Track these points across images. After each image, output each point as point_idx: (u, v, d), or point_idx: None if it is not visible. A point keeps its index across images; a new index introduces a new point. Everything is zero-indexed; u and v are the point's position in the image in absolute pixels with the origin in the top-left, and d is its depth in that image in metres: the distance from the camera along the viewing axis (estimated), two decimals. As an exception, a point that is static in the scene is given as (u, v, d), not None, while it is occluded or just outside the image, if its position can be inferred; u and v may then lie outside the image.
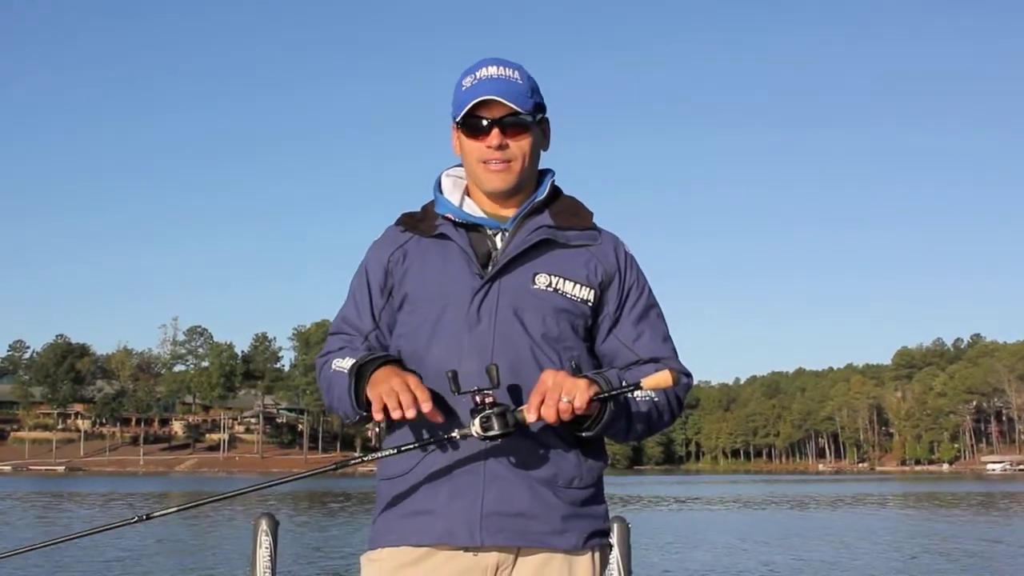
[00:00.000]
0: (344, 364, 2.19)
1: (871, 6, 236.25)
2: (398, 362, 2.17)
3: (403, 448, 2.06)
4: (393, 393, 1.99)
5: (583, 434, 2.11)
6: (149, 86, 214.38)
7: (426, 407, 1.98)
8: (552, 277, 2.20)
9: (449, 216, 2.26)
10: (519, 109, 2.19)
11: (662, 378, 2.02)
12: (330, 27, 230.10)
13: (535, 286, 2.19)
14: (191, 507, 2.19)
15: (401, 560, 2.12)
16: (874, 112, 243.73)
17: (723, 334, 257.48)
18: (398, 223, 2.35)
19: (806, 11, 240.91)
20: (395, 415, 1.98)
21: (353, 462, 2.16)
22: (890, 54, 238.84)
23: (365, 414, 2.12)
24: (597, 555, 2.19)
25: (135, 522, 2.15)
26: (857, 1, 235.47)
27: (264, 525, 3.63)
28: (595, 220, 2.33)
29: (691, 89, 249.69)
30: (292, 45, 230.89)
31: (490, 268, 2.19)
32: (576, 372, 2.09)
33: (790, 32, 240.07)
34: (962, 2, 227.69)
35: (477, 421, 1.98)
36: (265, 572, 3.57)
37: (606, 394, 2.03)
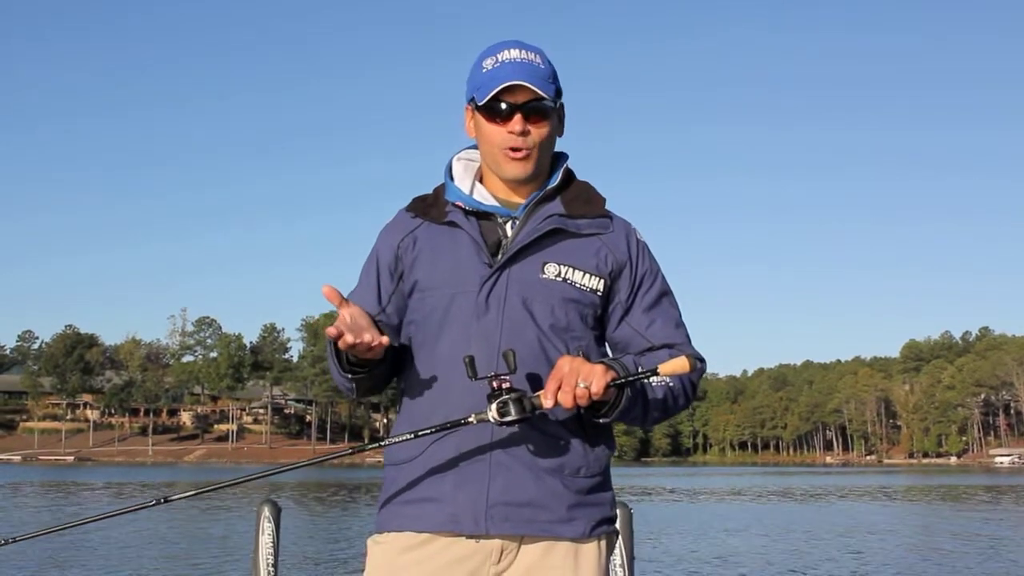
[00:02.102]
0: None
1: (880, 3, 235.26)
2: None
3: (420, 433, 2.05)
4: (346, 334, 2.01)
5: (600, 420, 2.11)
6: (155, 82, 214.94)
7: (345, 335, 1.99)
8: (561, 267, 2.18)
9: (459, 204, 2.24)
10: (543, 94, 2.16)
11: (679, 364, 2.02)
12: (332, 25, 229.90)
13: (544, 275, 2.17)
14: (209, 491, 2.22)
15: (406, 543, 2.13)
16: (883, 107, 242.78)
17: (730, 326, 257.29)
18: (409, 208, 2.33)
19: (815, 7, 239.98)
20: (348, 338, 2.00)
21: (371, 447, 2.17)
22: (901, 50, 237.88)
23: (350, 375, 2.15)
24: (603, 543, 2.18)
25: (154, 505, 2.20)
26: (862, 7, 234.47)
27: (266, 511, 3.66)
28: (608, 206, 2.30)
29: (700, 81, 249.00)
30: (298, 41, 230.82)
31: (500, 257, 2.18)
32: (586, 360, 2.06)
33: (825, 26, 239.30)
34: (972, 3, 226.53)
35: (494, 406, 1.97)
36: (268, 557, 3.59)
37: (623, 380, 2.02)
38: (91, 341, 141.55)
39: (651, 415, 2.17)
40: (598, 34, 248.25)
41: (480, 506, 2.07)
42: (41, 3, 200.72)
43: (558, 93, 2.24)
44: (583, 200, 2.27)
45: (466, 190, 2.27)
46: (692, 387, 2.23)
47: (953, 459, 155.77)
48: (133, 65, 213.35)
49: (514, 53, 2.18)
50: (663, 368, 2.02)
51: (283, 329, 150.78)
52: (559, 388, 1.96)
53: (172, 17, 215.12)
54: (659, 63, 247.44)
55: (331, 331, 1.99)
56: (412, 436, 2.05)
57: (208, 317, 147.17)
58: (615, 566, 3.41)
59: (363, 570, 2.20)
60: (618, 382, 2.01)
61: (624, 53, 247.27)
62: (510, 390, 1.99)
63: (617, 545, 3.03)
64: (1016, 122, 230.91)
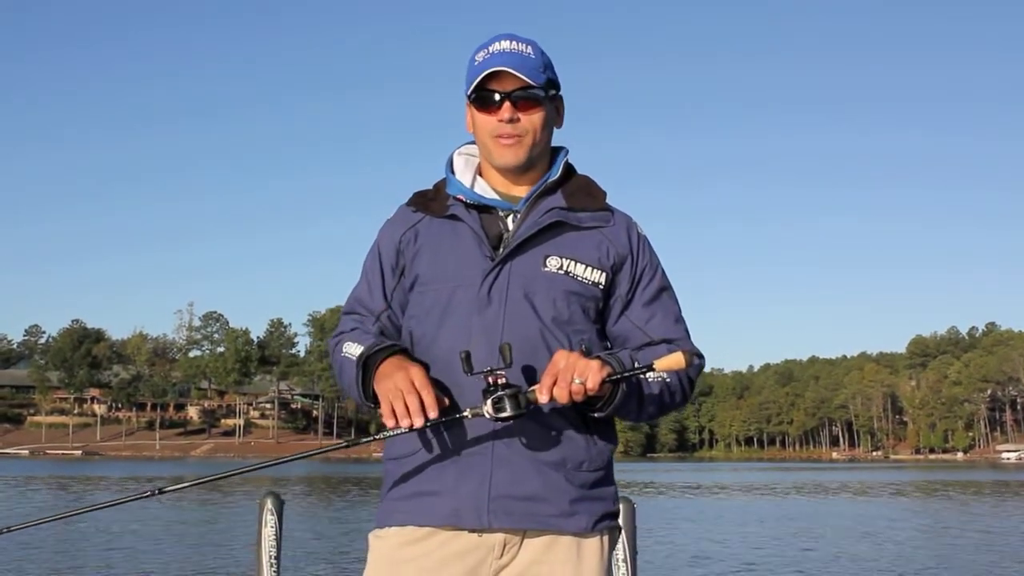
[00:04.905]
0: (353, 351, 2.18)
1: (881, 19, 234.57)
2: (406, 351, 2.16)
3: (414, 427, 2.03)
4: (399, 395, 1.99)
5: (595, 415, 2.10)
6: (162, 90, 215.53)
7: (432, 413, 1.98)
8: (563, 260, 2.18)
9: (460, 197, 2.24)
10: (531, 82, 2.16)
11: (674, 360, 2.01)
12: (341, 34, 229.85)
13: (546, 269, 2.16)
14: (204, 482, 2.21)
15: (407, 538, 2.12)
16: (888, 112, 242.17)
17: (737, 322, 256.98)
18: (410, 203, 2.32)
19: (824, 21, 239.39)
20: (403, 423, 1.98)
21: (365, 440, 2.16)
22: (908, 60, 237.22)
23: (373, 406, 2.12)
24: (606, 538, 2.18)
25: (148, 496, 2.19)
26: (867, 13, 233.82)
27: (269, 504, 3.66)
28: (611, 201, 2.31)
29: (710, 88, 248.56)
30: (310, 48, 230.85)
31: (501, 250, 2.17)
32: (587, 354, 2.06)
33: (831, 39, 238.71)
34: (984, 10, 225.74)
35: (489, 402, 1.97)
36: (270, 550, 3.59)
37: (618, 375, 2.01)
38: (98, 336, 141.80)
39: (646, 410, 2.17)
40: (598, 45, 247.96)
41: (482, 500, 2.06)
42: (53, 15, 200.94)
43: (551, 84, 2.24)
44: (584, 193, 2.26)
45: (467, 184, 2.26)
46: (689, 383, 2.22)
47: (959, 455, 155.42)
48: (143, 71, 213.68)
49: (505, 44, 2.19)
50: (659, 364, 2.02)
51: (290, 324, 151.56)
52: (554, 383, 1.96)
53: (187, 24, 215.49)
54: (685, 65, 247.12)
55: (418, 421, 1.98)
56: (407, 429, 2.02)
57: (215, 312, 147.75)
58: (618, 561, 3.41)
59: (365, 564, 2.19)
60: (614, 378, 2.01)
61: (643, 60, 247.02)
62: (506, 386, 1.97)
63: (620, 540, 3.02)
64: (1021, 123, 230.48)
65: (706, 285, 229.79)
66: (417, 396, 1.99)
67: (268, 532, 3.59)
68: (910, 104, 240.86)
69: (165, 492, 2.18)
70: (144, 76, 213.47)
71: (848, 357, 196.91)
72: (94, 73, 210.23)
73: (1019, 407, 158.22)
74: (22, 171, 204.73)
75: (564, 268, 2.17)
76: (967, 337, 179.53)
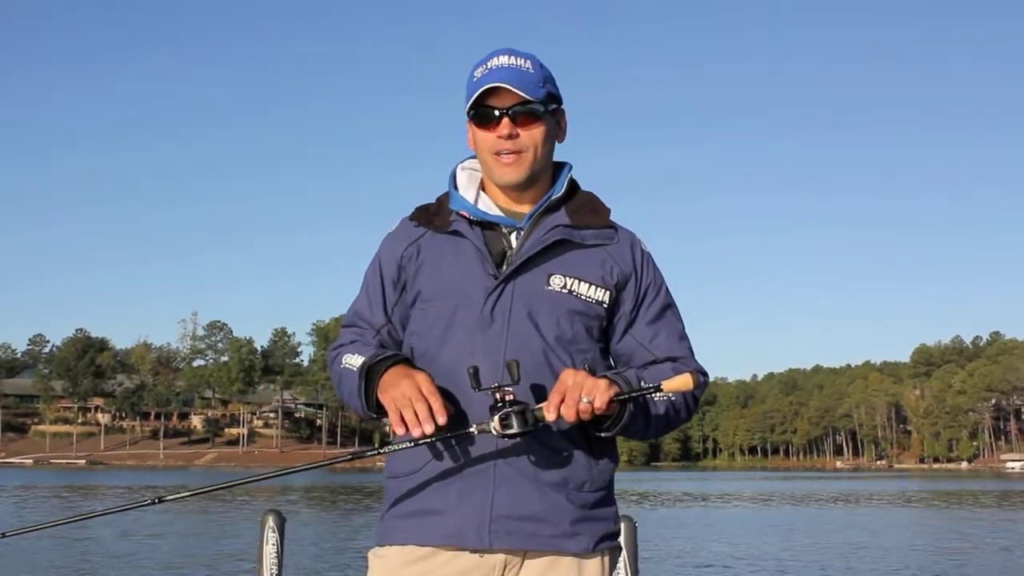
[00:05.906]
0: (354, 362, 2.17)
1: (883, 28, 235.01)
2: (408, 360, 2.15)
3: (419, 441, 2.02)
4: (408, 403, 1.98)
5: (601, 434, 2.10)
6: (166, 97, 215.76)
7: (441, 419, 1.97)
8: (567, 278, 2.17)
9: (464, 213, 2.22)
10: (529, 97, 2.14)
11: (682, 382, 2.02)
12: (353, 38, 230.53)
13: (549, 287, 2.15)
14: (204, 492, 2.20)
15: (408, 557, 2.11)
16: (893, 120, 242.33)
17: (740, 331, 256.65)
18: (412, 217, 2.31)
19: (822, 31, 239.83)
20: (415, 432, 1.97)
21: (369, 453, 2.14)
22: (912, 67, 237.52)
23: (376, 416, 2.12)
24: (606, 558, 2.17)
25: (147, 505, 2.20)
26: (868, 22, 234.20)
27: (271, 522, 3.66)
28: (614, 216, 2.30)
29: (713, 93, 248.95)
30: (321, 54, 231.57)
31: (504, 268, 2.15)
32: (591, 373, 2.04)
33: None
34: (985, 15, 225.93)
35: (496, 418, 1.95)
36: (272, 568, 3.60)
37: (626, 395, 2.01)
38: (102, 345, 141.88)
39: (652, 429, 2.17)
40: (601, 57, 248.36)
41: (484, 520, 2.05)
42: (53, 16, 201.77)
43: (552, 98, 2.22)
44: (588, 210, 2.25)
45: (470, 199, 2.24)
46: (694, 401, 2.22)
47: (964, 464, 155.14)
48: (146, 78, 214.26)
49: (503, 60, 2.18)
50: (666, 385, 2.02)
51: (294, 333, 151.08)
52: (562, 401, 1.96)
53: (191, 30, 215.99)
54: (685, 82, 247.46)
55: (428, 428, 1.96)
56: (412, 444, 2.01)
57: (219, 321, 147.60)
58: (618, 580, 3.42)
59: None
60: (621, 397, 2.01)
61: (636, 76, 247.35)
62: (513, 402, 1.96)
63: (621, 559, 3.02)
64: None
65: (710, 294, 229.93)
66: (426, 403, 1.98)
67: (269, 550, 3.60)
68: (914, 112, 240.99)
69: (164, 501, 2.18)
70: (147, 82, 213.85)
71: (852, 366, 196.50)
72: (97, 80, 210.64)
73: (1023, 417, 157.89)
74: (24, 179, 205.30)
75: (568, 287, 2.16)
76: (971, 346, 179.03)
